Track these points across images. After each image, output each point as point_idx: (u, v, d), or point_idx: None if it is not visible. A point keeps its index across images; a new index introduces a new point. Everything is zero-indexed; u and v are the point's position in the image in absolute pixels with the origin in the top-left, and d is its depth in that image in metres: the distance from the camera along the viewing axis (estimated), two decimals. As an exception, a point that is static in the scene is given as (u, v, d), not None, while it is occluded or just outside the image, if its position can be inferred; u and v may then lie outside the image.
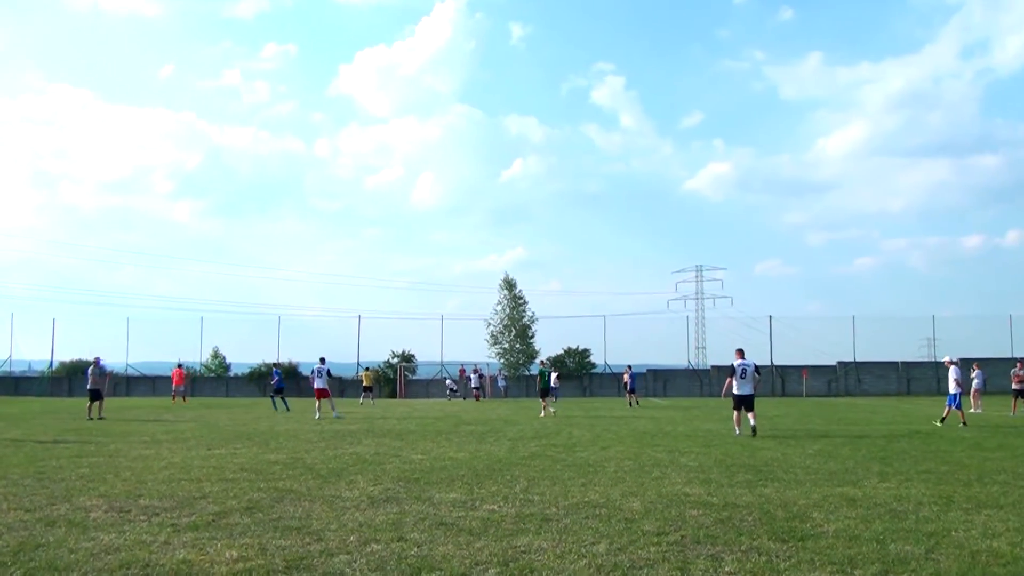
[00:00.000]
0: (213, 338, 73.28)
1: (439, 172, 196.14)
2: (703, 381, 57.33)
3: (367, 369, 46.24)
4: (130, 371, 62.85)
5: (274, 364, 33.66)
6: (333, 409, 28.34)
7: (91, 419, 25.93)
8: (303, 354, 65.74)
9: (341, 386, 53.66)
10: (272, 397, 34.17)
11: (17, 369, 65.13)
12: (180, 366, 45.79)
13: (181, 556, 6.89)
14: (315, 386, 28.49)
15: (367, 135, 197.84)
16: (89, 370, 28.54)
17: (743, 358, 19.73)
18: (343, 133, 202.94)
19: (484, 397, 49.46)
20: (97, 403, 27.01)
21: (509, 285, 62.99)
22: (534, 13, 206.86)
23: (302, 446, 16.85)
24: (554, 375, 45.00)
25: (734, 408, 19.55)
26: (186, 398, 42.45)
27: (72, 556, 6.94)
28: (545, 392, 30.65)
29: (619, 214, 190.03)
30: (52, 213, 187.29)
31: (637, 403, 36.83)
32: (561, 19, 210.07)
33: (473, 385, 50.02)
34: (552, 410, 29.63)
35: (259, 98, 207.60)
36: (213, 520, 8.53)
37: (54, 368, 61.52)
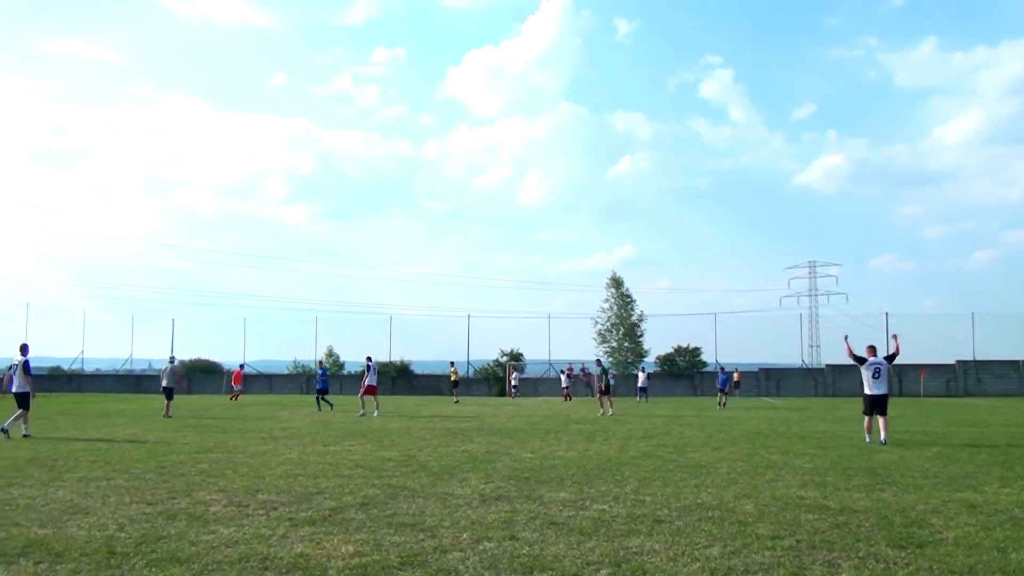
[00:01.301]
0: (327, 337, 74.85)
1: (546, 171, 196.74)
2: (817, 380, 56.18)
3: (453, 365, 46.70)
4: (247, 369, 64.46)
5: (319, 363, 33.10)
6: (376, 408, 28.66)
7: (169, 417, 26.42)
8: (414, 353, 66.95)
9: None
10: (317, 398, 33.10)
11: (138, 367, 67.41)
12: (242, 367, 48.99)
13: (298, 550, 7.06)
14: (368, 383, 28.98)
15: (475, 135, 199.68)
16: (165, 369, 29.47)
17: (876, 355, 18.03)
18: (452, 134, 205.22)
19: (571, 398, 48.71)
20: (170, 402, 27.77)
21: (616, 283, 62.61)
22: (640, 8, 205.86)
23: (415, 444, 17.07)
24: (641, 375, 44.53)
25: (865, 412, 17.84)
26: (237, 397, 43.29)
27: (192, 549, 7.16)
28: (606, 391, 30.05)
29: (729, 210, 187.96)
30: (169, 218, 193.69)
31: (723, 404, 35.81)
32: (667, 13, 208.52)
33: (563, 385, 49.22)
34: (611, 411, 28.98)
35: (369, 102, 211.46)
36: (329, 515, 8.71)
37: (174, 366, 63.42)
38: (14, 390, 19.07)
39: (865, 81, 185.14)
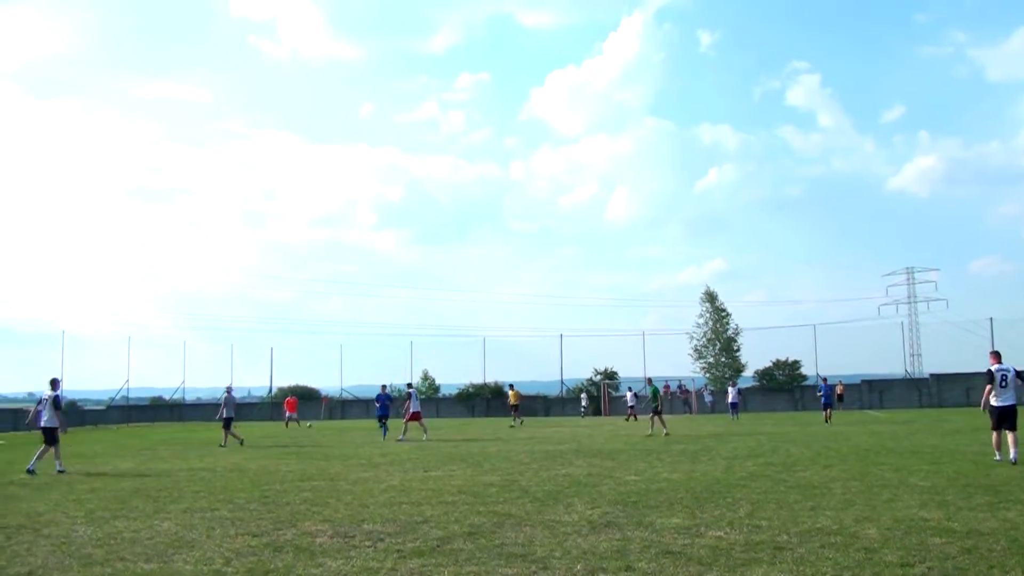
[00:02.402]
0: (422, 361, 75.11)
1: (633, 187, 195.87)
2: (921, 391, 54.56)
3: (512, 387, 44.94)
4: (344, 395, 65.17)
5: (382, 387, 31.69)
6: (425, 432, 28.59)
7: (224, 446, 26.52)
8: (509, 375, 66.69)
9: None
10: (380, 423, 30.75)
11: (238, 396, 68.37)
12: (293, 396, 50.30)
13: (409, 585, 6.86)
14: (412, 409, 28.97)
15: (560, 155, 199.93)
16: (224, 398, 29.51)
17: (1000, 361, 16.39)
18: (536, 155, 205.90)
19: (636, 417, 46.26)
20: (228, 432, 27.80)
21: (711, 297, 61.89)
22: (722, 19, 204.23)
23: (515, 467, 16.84)
24: (732, 390, 43.48)
25: (993, 427, 16.21)
26: (289, 424, 44.02)
27: (303, 582, 7.02)
28: (657, 411, 28.76)
29: (822, 218, 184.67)
30: (265, 249, 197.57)
31: (829, 419, 34.43)
32: (750, 22, 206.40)
33: (628, 404, 47.30)
34: (664, 431, 27.68)
35: (455, 127, 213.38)
36: (437, 546, 8.51)
37: (273, 394, 64.39)
38: (42, 424, 18.76)
39: (955, 78, 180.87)
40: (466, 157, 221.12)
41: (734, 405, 41.61)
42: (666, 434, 27.28)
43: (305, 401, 60.78)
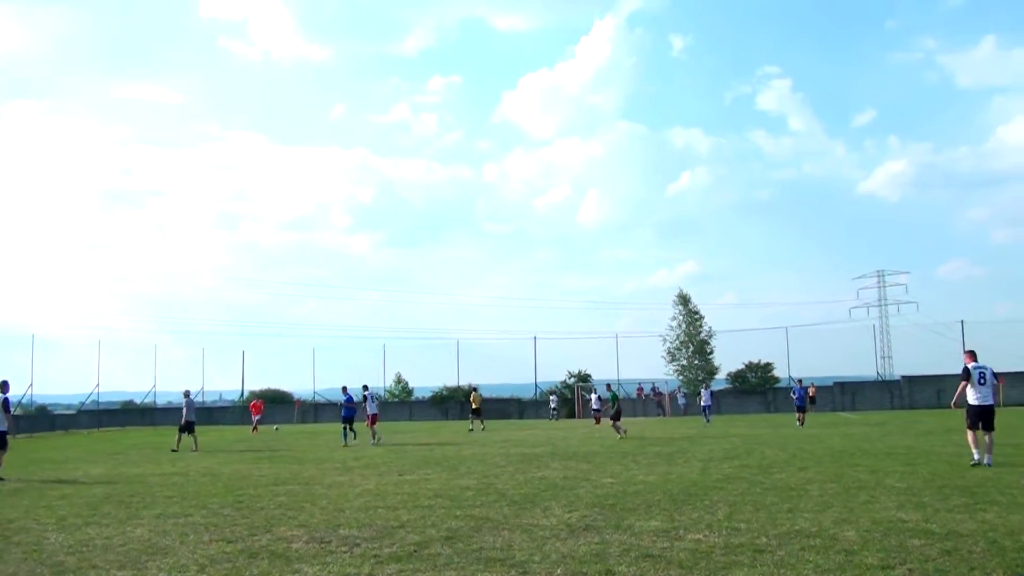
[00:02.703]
0: (395, 364, 75.01)
1: (605, 190, 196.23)
2: (893, 393, 54.96)
3: (475, 390, 43.99)
4: (317, 398, 64.82)
5: (343, 388, 31.65)
6: (374, 437, 28.37)
7: (175, 451, 26.25)
8: (482, 377, 66.52)
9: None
10: (344, 428, 29.14)
11: (209, 399, 68.09)
12: (260, 399, 48.39)
13: (387, 590, 6.77)
14: (369, 412, 28.98)
15: (533, 157, 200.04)
16: (184, 402, 29.27)
17: (976, 360, 16.09)
18: (509, 157, 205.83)
19: (599, 421, 46.06)
20: (191, 435, 27.57)
21: (684, 300, 62.04)
22: (694, 23, 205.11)
23: (491, 470, 16.78)
24: (704, 392, 43.32)
25: (969, 426, 15.79)
26: (256, 428, 42.79)
27: (279, 589, 6.92)
28: (618, 416, 28.54)
29: (793, 221, 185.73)
30: (237, 252, 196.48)
31: (802, 422, 33.87)
32: (722, 27, 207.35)
33: (593, 407, 47.42)
34: (619, 434, 27.68)
35: (427, 130, 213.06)
36: (415, 551, 8.42)
37: (244, 397, 63.98)
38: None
39: (926, 84, 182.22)
40: (439, 159, 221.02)
41: (707, 408, 41.46)
42: (620, 437, 27.28)
43: (278, 404, 60.43)
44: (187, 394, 30.19)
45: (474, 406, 40.67)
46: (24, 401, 53.45)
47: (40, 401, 60.04)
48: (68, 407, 64.99)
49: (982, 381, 15.83)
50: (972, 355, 16.34)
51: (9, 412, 18.60)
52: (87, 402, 59.59)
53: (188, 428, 27.85)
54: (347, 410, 29.71)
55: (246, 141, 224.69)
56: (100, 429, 50.35)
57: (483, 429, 38.02)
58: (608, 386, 33.39)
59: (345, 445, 27.33)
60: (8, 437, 18.49)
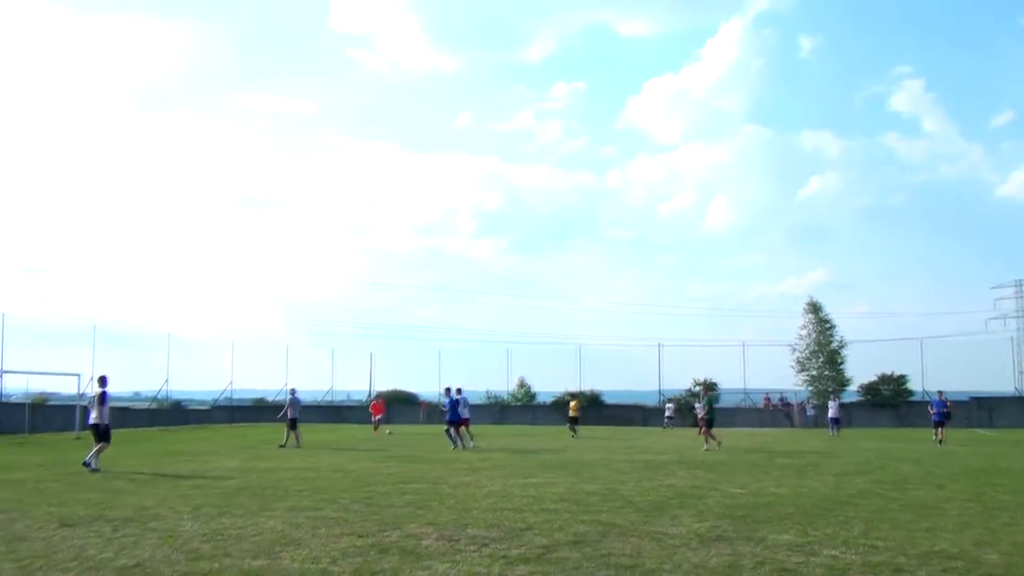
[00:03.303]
0: (519, 368, 75.07)
1: (732, 195, 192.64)
2: (1034, 410, 52.42)
3: (574, 398, 42.63)
4: (443, 400, 65.41)
5: (446, 391, 30.11)
6: (471, 438, 27.78)
7: (283, 447, 27.04)
8: (605, 383, 66.08)
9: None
10: (448, 431, 27.80)
11: (338, 399, 69.26)
12: (380, 400, 48.18)
13: (517, 593, 6.74)
14: (464, 416, 28.08)
15: (657, 163, 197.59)
16: (289, 400, 30.00)
17: None
18: (633, 163, 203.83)
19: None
20: (294, 432, 28.31)
21: (815, 308, 60.38)
22: (824, 23, 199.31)
23: (615, 476, 16.64)
24: (833, 404, 41.76)
25: None
26: (378, 427, 42.47)
27: (409, 586, 6.95)
28: (711, 423, 27.43)
29: (928, 227, 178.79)
30: (367, 257, 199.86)
31: (940, 440, 30.66)
32: (853, 26, 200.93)
33: (667, 415, 49.84)
34: (716, 446, 26.36)
35: (551, 136, 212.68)
36: (543, 553, 8.39)
37: (372, 398, 65.02)
38: (91, 422, 18.97)
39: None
40: (563, 166, 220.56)
41: (835, 420, 40.21)
42: (706, 449, 25.90)
43: (405, 405, 61.23)
44: (292, 392, 30.92)
45: (571, 414, 39.87)
46: (160, 396, 55.38)
47: (175, 397, 62.08)
48: (202, 403, 67.15)
49: None
50: None
51: (105, 405, 19.16)
52: (220, 399, 61.41)
53: (292, 425, 28.64)
54: (452, 413, 28.05)
55: (376, 149, 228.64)
56: (233, 424, 51.85)
57: (575, 436, 36.37)
58: (705, 390, 32.21)
59: (455, 448, 26.29)
60: (112, 431, 19.27)
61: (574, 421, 39.16)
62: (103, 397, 19.13)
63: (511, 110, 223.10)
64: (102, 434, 18.67)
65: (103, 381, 19.46)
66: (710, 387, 31.25)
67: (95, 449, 18.35)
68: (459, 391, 28.49)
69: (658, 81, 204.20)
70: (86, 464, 17.93)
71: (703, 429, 27.25)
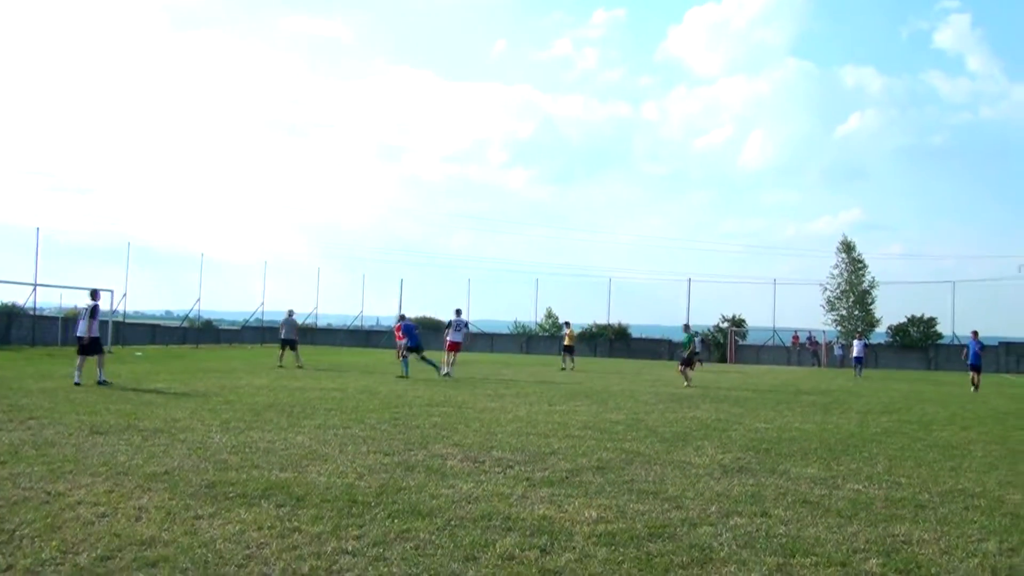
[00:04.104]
0: (547, 299, 75.25)
1: (769, 131, 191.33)
2: (1063, 357, 52.05)
3: (568, 326, 39.88)
4: (471, 328, 65.79)
5: (400, 316, 28.61)
6: (451, 366, 25.81)
7: (281, 366, 27.30)
8: (632, 316, 66.12)
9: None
10: (406, 356, 25.73)
11: (367, 323, 69.71)
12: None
13: (540, 512, 6.81)
14: (449, 339, 26.85)
15: (695, 96, 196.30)
16: (284, 320, 30.48)
17: None
18: (671, 95, 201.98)
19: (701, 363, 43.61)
20: (293, 352, 28.60)
21: (848, 248, 59.90)
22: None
23: (640, 407, 16.71)
24: (857, 343, 41.09)
25: None
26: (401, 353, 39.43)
27: (434, 502, 7.04)
28: (689, 361, 26.35)
29: (967, 169, 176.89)
30: (398, 184, 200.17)
31: (976, 385, 28.32)
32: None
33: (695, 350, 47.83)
34: (686, 383, 24.57)
35: (588, 65, 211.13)
36: (566, 477, 8.46)
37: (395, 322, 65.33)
38: (78, 334, 18.67)
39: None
40: (598, 96, 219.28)
41: (859, 360, 39.65)
42: (686, 385, 24.33)
43: (433, 331, 61.62)
44: (290, 313, 31.22)
45: (566, 343, 37.01)
46: (192, 315, 55.92)
47: (206, 316, 62.72)
48: (232, 323, 67.84)
49: None
50: None
51: (96, 319, 18.97)
52: (251, 319, 61.98)
53: (290, 345, 28.98)
54: (412, 338, 26.34)
55: (410, 76, 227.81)
56: (263, 345, 52.37)
57: (572, 368, 34.30)
58: (686, 326, 30.58)
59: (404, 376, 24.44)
60: (103, 344, 19.29)
61: (569, 351, 36.37)
62: (95, 311, 18.98)
63: (549, 37, 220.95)
64: (86, 347, 18.39)
65: (95, 294, 19.42)
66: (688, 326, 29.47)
67: (87, 362, 18.25)
68: (458, 312, 28.10)
69: (700, 10, 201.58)
70: (101, 382, 17.82)
71: (681, 366, 26.12)
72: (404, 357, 25.52)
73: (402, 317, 28.22)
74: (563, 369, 33.83)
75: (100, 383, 17.68)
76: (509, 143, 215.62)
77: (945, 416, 17.29)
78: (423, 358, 25.70)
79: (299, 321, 33.96)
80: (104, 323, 42.13)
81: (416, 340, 26.35)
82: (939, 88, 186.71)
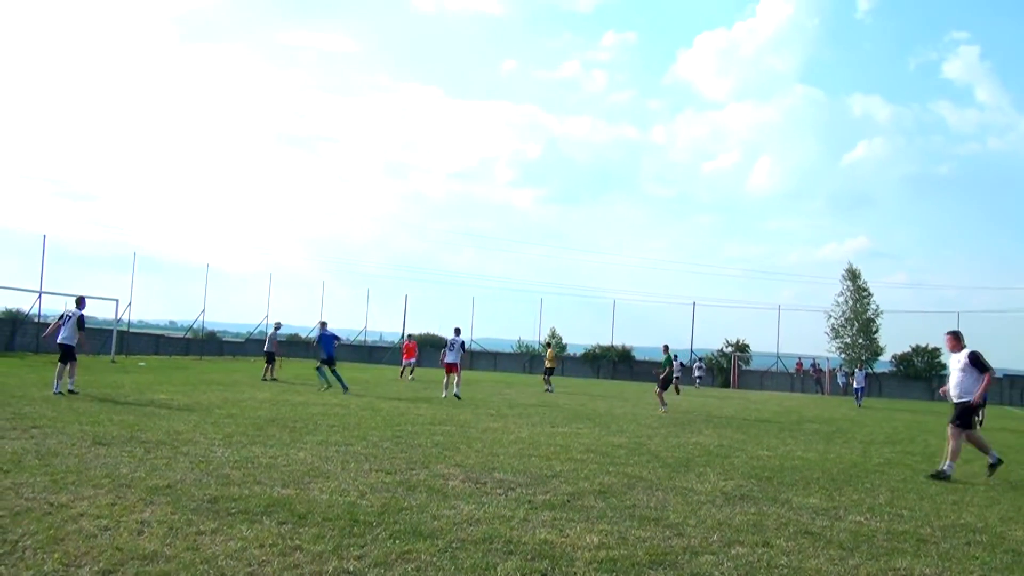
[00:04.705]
0: (551, 319, 75.27)
1: (777, 157, 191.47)
2: (1067, 393, 51.91)
3: (549, 346, 38.95)
4: (473, 346, 65.81)
5: (321, 323, 27.25)
6: (457, 385, 23.75)
7: (265, 380, 27.43)
8: (636, 339, 66.14)
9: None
10: (320, 368, 25.16)
11: (370, 339, 69.72)
12: (412, 340, 40.48)
13: (542, 536, 6.80)
14: (446, 360, 24.69)
15: (704, 120, 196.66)
16: (269, 334, 30.74)
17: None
18: (679, 119, 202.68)
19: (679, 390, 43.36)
20: (270, 366, 28.81)
21: (853, 275, 60.00)
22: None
23: (643, 431, 16.70)
24: (859, 373, 40.55)
25: (972, 425, 13.16)
26: (405, 372, 36.83)
27: (435, 523, 7.04)
28: (667, 382, 24.71)
29: (973, 200, 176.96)
30: (404, 200, 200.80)
31: (980, 421, 27.26)
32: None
33: (697, 375, 51.58)
34: (662, 409, 23.25)
35: (597, 87, 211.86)
36: (568, 501, 8.44)
37: (405, 340, 65.30)
38: (59, 341, 18.63)
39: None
40: (606, 118, 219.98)
41: (859, 390, 39.32)
42: (663, 411, 23.04)
43: (435, 350, 61.57)
44: (277, 326, 31.61)
45: (547, 364, 34.55)
46: (196, 326, 56.01)
47: (210, 327, 62.76)
48: (236, 335, 67.92)
49: None
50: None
51: (82, 329, 19.03)
52: (255, 332, 62.01)
53: (269, 358, 29.23)
54: (327, 347, 25.53)
55: (418, 92, 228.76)
56: (266, 357, 52.39)
57: (550, 390, 32.00)
58: (665, 347, 27.03)
59: (322, 389, 24.08)
60: (78, 354, 18.93)
61: (549, 372, 34.19)
62: (82, 320, 19.05)
63: (558, 58, 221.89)
64: (68, 353, 18.37)
65: (81, 302, 19.49)
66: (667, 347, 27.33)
67: (65, 370, 17.99)
68: (457, 331, 25.84)
69: (710, 35, 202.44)
70: (71, 391, 17.66)
71: (658, 389, 24.37)
72: (319, 368, 25.02)
73: (322, 325, 27.04)
74: (547, 391, 31.82)
75: (70, 391, 17.62)
76: (516, 162, 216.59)
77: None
78: (333, 371, 24.54)
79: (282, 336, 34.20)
80: (107, 332, 42.51)
81: (330, 351, 25.39)
82: (947, 118, 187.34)
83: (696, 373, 52.85)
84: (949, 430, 12.84)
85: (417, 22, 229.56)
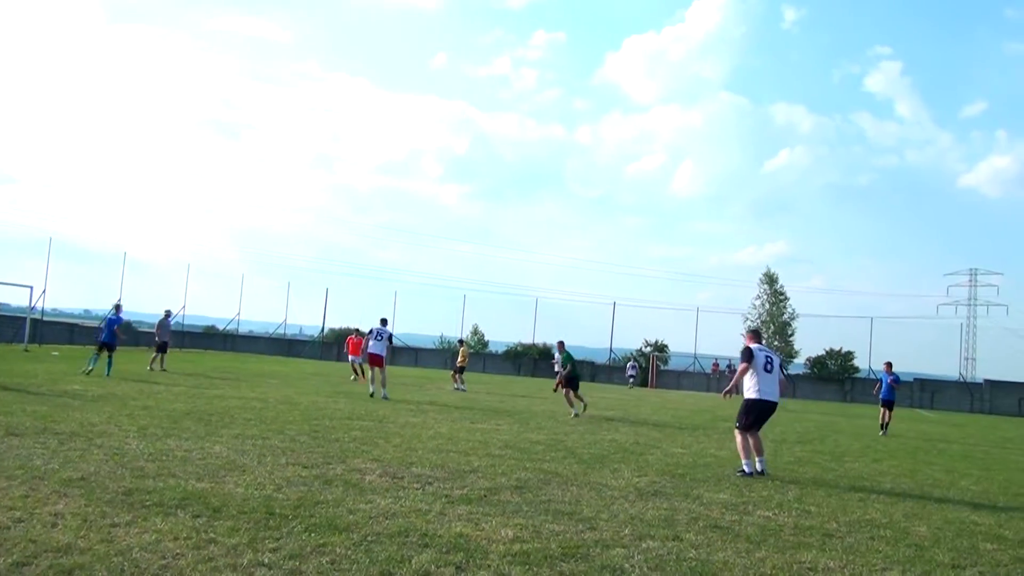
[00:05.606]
0: (474, 315, 75.27)
1: (700, 161, 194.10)
2: (974, 396, 53.40)
3: (462, 343, 36.98)
4: (396, 342, 65.54)
5: (115, 307, 26.39)
6: (384, 386, 21.86)
7: (152, 370, 27.05)
8: (559, 336, 66.36)
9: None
10: (98, 353, 23.98)
11: (290, 332, 69.03)
12: (359, 335, 34.95)
13: (457, 529, 6.87)
14: (369, 350, 22.59)
15: (630, 122, 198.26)
16: (159, 322, 30.38)
17: (760, 342, 12.94)
18: (605, 120, 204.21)
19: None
20: (161, 355, 28.54)
21: (771, 279, 61.18)
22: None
23: (561, 428, 16.87)
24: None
25: (745, 425, 12.33)
26: (356, 370, 33.45)
27: (351, 517, 7.07)
28: (573, 382, 21.61)
29: (890, 210, 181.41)
30: (328, 192, 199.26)
31: (885, 427, 23.88)
32: (837, 1, 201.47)
33: (629, 374, 52.95)
34: (575, 412, 20.97)
35: (526, 85, 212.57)
36: (485, 495, 8.53)
37: (324, 334, 64.86)
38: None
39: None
40: (534, 116, 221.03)
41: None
42: (575, 415, 20.62)
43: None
44: (168, 315, 31.31)
45: (459, 363, 32.20)
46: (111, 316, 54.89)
47: (126, 318, 61.51)
48: (152, 325, 66.73)
49: (768, 369, 12.35)
50: (756, 336, 13.15)
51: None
52: (171, 323, 60.97)
53: (161, 347, 28.76)
54: (107, 333, 24.47)
55: (347, 84, 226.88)
56: (182, 350, 51.56)
57: (461, 388, 30.37)
58: (560, 344, 24.20)
59: (85, 371, 22.85)
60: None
61: (460, 371, 31.80)
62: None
63: (488, 55, 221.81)
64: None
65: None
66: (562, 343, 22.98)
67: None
68: (383, 321, 23.64)
69: (639, 39, 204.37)
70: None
71: (565, 390, 21.72)
72: (96, 354, 23.90)
73: (117, 308, 26.18)
74: (458, 389, 30.04)
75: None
76: (444, 158, 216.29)
77: (858, 448, 17.73)
78: (108, 358, 23.43)
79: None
80: (20, 320, 41.44)
81: (109, 335, 24.18)
82: (867, 130, 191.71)
83: (629, 372, 53.39)
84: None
85: (350, 12, 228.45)
